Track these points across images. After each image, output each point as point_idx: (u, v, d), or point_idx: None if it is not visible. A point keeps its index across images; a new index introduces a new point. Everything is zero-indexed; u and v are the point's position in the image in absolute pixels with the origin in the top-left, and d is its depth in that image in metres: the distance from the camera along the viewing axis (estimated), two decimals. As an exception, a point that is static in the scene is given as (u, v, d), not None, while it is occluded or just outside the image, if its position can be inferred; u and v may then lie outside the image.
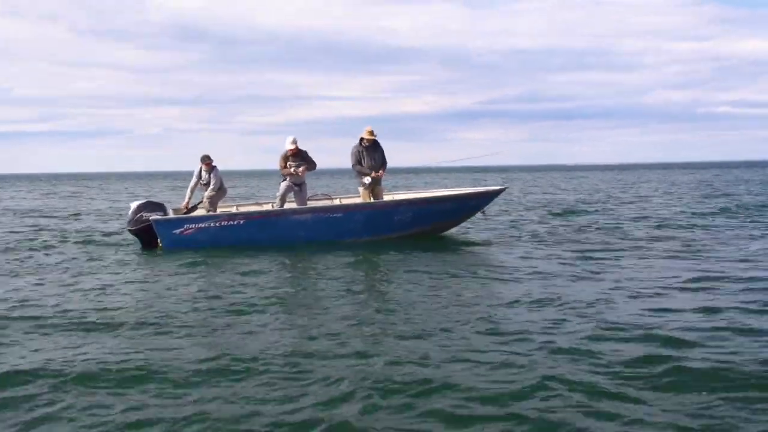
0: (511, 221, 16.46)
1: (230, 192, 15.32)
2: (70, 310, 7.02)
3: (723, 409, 4.13)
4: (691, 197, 25.76)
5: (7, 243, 13.26)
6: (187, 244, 11.63)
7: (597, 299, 7.09)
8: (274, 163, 12.72)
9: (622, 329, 5.86)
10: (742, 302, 6.82)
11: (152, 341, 5.82)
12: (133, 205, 12.42)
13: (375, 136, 12.26)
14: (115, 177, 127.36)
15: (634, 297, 7.25)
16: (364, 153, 12.26)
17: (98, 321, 6.52)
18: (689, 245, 11.30)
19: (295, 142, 12.29)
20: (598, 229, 14.32)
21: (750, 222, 15.26)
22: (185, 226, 11.79)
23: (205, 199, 12.76)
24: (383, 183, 12.73)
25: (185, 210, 12.77)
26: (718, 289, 7.57)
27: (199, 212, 12.71)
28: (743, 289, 7.47)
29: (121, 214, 19.52)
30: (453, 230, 13.28)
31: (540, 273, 8.82)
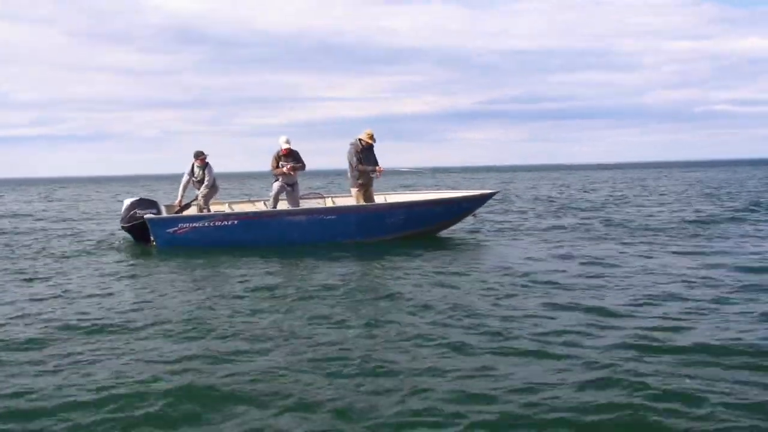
0: (508, 220, 16.43)
1: (230, 192, 15.26)
2: (68, 314, 6.95)
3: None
4: (697, 196, 25.71)
5: (5, 247, 13.15)
6: (181, 243, 11.62)
7: (597, 300, 7.04)
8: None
9: (622, 329, 5.86)
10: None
11: (147, 344, 5.79)
12: (127, 202, 12.41)
13: (374, 141, 12.27)
14: (115, 180, 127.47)
15: (628, 288, 7.20)
16: (361, 154, 12.24)
17: (94, 324, 6.46)
18: (703, 241, 11.30)
19: (288, 142, 12.30)
20: (601, 225, 14.37)
21: None
22: (179, 226, 11.77)
23: (199, 197, 12.58)
24: (375, 185, 12.72)
25: (178, 208, 12.67)
26: (724, 286, 7.47)
27: (192, 210, 12.62)
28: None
29: (119, 215, 19.40)
30: (445, 230, 13.22)
31: (538, 272, 8.78)
